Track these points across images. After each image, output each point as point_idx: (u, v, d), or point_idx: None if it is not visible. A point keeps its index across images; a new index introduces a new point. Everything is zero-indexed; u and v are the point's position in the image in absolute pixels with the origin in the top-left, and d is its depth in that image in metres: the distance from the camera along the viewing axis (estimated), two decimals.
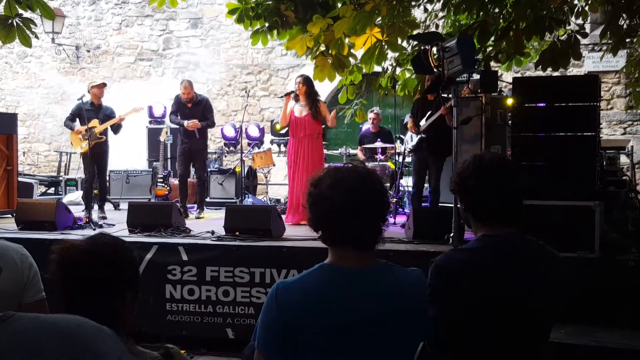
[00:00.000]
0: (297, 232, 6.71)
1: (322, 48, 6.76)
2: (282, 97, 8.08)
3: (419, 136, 7.69)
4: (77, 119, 8.38)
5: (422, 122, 7.58)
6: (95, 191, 8.52)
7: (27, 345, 1.05)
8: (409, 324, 1.92)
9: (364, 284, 1.93)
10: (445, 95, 6.83)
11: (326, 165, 9.18)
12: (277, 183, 11.99)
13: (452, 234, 5.50)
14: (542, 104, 5.68)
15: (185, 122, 8.55)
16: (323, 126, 8.10)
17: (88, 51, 14.83)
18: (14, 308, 2.28)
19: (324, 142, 9.84)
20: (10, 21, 5.22)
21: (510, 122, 6.94)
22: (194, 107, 8.68)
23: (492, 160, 2.26)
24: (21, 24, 5.25)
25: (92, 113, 8.26)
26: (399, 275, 2.00)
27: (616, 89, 11.85)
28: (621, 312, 4.93)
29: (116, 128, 8.45)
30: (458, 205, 5.14)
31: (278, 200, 10.64)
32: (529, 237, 2.30)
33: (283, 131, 8.34)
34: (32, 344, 1.05)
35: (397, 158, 8.93)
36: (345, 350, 1.87)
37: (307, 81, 7.85)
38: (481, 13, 6.47)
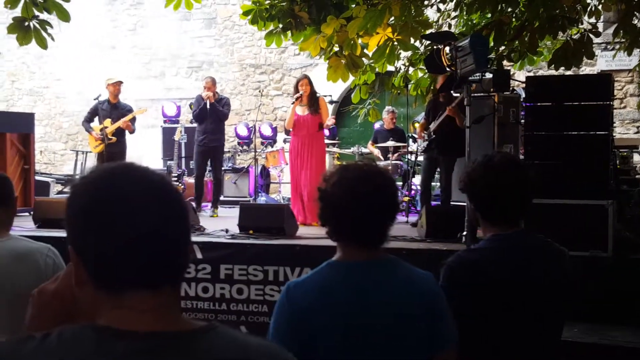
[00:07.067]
0: (310, 231, 6.74)
1: (336, 48, 6.78)
2: (293, 102, 8.19)
3: (429, 137, 7.70)
4: (96, 119, 8.46)
5: (432, 125, 7.59)
6: None
7: None
8: (416, 316, 1.94)
9: (370, 276, 1.96)
10: (457, 95, 6.83)
11: (339, 163, 9.21)
12: (290, 182, 12.02)
13: (464, 233, 5.51)
14: (555, 103, 5.68)
15: (204, 93, 8.67)
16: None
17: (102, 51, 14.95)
18: None
19: (337, 141, 9.89)
20: (27, 23, 5.27)
21: (522, 121, 6.94)
22: (214, 105, 8.76)
23: (502, 160, 2.26)
24: (37, 26, 5.31)
25: (106, 112, 8.32)
26: (406, 270, 2.02)
27: (629, 88, 11.77)
28: (635, 311, 4.93)
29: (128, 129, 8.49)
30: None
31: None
32: (536, 235, 2.33)
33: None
34: None
35: (409, 157, 8.93)
36: (356, 342, 1.90)
37: (310, 82, 8.01)
38: (495, 12, 6.48)
